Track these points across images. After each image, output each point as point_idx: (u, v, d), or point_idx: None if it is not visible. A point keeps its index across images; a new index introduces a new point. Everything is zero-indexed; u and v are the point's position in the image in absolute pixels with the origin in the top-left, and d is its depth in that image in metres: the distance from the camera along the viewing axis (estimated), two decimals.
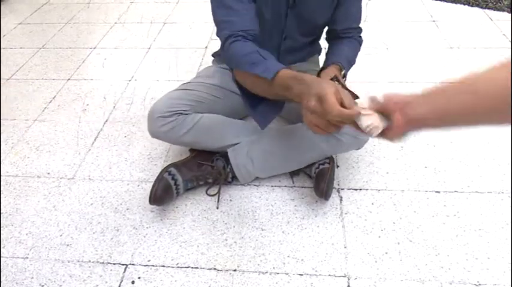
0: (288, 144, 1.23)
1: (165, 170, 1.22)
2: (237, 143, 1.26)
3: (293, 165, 1.27)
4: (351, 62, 1.24)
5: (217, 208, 1.23)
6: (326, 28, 1.30)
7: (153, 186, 1.18)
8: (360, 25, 1.27)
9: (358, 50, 1.27)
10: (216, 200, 1.25)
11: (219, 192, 1.26)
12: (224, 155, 1.27)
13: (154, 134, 1.25)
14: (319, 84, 0.76)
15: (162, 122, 1.20)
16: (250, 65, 0.92)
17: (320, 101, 0.73)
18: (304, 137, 1.21)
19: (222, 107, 1.30)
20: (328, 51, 1.28)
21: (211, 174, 1.26)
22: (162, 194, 1.18)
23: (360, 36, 1.27)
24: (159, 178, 1.19)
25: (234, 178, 1.28)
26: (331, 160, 1.25)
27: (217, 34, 1.05)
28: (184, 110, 1.22)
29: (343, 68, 1.16)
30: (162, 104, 1.22)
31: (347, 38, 1.25)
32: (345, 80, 1.15)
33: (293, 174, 1.31)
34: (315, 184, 1.21)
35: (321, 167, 1.23)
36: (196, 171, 1.25)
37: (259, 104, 0.97)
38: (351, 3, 1.20)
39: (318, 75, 1.18)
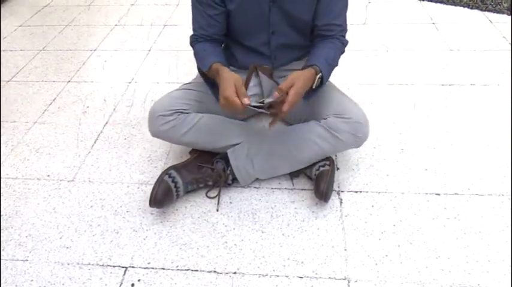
0: (287, 144, 1.23)
1: (165, 172, 1.22)
2: (237, 144, 1.27)
3: (293, 165, 1.27)
4: (332, 64, 1.17)
5: (217, 210, 1.23)
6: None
7: (153, 188, 1.18)
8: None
9: (341, 51, 1.21)
10: (216, 202, 1.25)
11: (219, 194, 1.26)
12: (224, 157, 1.27)
13: (155, 133, 1.25)
14: (226, 85, 1.02)
15: (163, 121, 1.20)
16: (199, 61, 1.19)
17: (228, 102, 1.01)
18: (303, 137, 1.21)
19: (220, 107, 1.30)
20: (310, 51, 1.23)
21: (211, 176, 1.26)
22: (162, 196, 1.18)
23: (343, 36, 1.21)
24: (159, 181, 1.19)
25: (234, 180, 1.28)
26: (331, 162, 1.25)
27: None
28: (184, 109, 1.22)
29: (319, 71, 1.10)
30: (162, 103, 1.23)
31: (329, 38, 1.19)
32: (318, 81, 1.10)
33: (293, 176, 1.31)
34: (314, 186, 1.21)
35: (321, 169, 1.23)
36: (197, 173, 1.25)
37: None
38: (330, 0, 1.15)
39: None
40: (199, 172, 1.26)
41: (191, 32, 1.23)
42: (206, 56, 1.16)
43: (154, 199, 1.17)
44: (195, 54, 1.22)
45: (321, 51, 1.17)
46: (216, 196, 1.26)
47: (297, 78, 1.05)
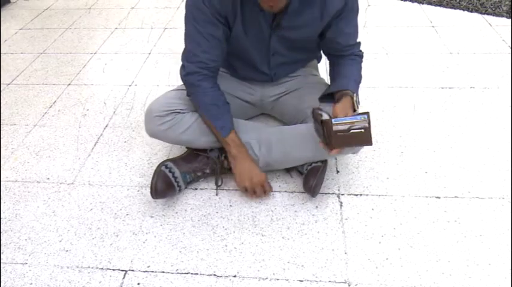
0: (285, 143, 1.24)
1: (162, 164, 1.24)
2: None
3: (289, 163, 1.28)
4: (359, 82, 1.22)
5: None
6: (322, 47, 1.30)
7: (152, 180, 1.19)
8: (360, 31, 1.25)
9: (361, 64, 1.25)
10: (217, 204, 1.25)
11: (216, 180, 1.28)
12: (220, 147, 1.28)
13: (152, 133, 1.25)
14: (253, 172, 1.20)
15: (160, 121, 1.21)
16: (211, 115, 1.18)
17: (261, 188, 1.21)
18: (301, 138, 1.21)
19: None
20: (333, 72, 1.26)
21: (207, 164, 1.27)
22: (163, 186, 1.20)
23: (360, 50, 1.25)
24: (157, 171, 1.21)
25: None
26: (324, 159, 1.26)
27: (183, 60, 1.18)
28: (181, 109, 1.23)
29: (353, 94, 1.13)
30: (159, 104, 1.23)
31: (348, 56, 1.22)
32: (357, 102, 1.14)
33: (288, 170, 1.33)
34: (304, 180, 1.23)
35: (313, 164, 1.24)
36: (193, 162, 1.27)
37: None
38: (345, 24, 1.16)
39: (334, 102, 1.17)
40: (195, 161, 1.27)
41: None
42: (221, 115, 1.18)
43: (155, 190, 1.18)
44: (203, 103, 1.17)
45: (349, 72, 1.20)
46: (220, 185, 1.28)
47: (339, 113, 1.06)
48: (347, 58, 1.23)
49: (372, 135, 1.03)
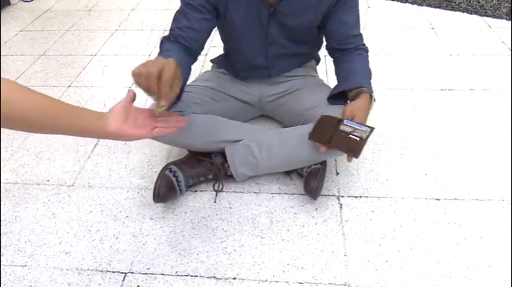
0: (285, 145, 1.24)
1: (166, 167, 1.24)
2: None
3: (289, 166, 1.27)
4: (371, 78, 1.23)
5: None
6: (325, 41, 1.30)
7: (156, 183, 1.20)
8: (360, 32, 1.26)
9: (368, 59, 1.26)
10: (217, 207, 1.25)
11: (218, 186, 1.28)
12: (222, 152, 1.27)
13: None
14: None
15: None
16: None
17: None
18: (301, 139, 1.21)
19: (219, 109, 1.32)
20: (341, 70, 1.25)
21: (210, 170, 1.27)
22: (166, 190, 1.20)
23: (364, 44, 1.26)
24: (161, 176, 1.21)
25: None
26: (323, 161, 1.26)
27: None
28: (180, 111, 1.23)
29: (370, 92, 1.14)
30: None
31: (352, 50, 1.22)
32: (374, 99, 1.15)
33: (288, 173, 1.33)
34: (304, 183, 1.23)
35: (313, 166, 1.24)
36: (196, 167, 1.27)
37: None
38: (344, 13, 1.17)
39: (351, 99, 1.18)
40: (199, 166, 1.27)
41: None
42: (166, 56, 1.04)
43: (158, 194, 1.19)
44: (158, 54, 1.11)
45: (359, 68, 1.21)
46: (221, 190, 1.28)
47: (358, 109, 1.09)
48: (353, 53, 1.23)
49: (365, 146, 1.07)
